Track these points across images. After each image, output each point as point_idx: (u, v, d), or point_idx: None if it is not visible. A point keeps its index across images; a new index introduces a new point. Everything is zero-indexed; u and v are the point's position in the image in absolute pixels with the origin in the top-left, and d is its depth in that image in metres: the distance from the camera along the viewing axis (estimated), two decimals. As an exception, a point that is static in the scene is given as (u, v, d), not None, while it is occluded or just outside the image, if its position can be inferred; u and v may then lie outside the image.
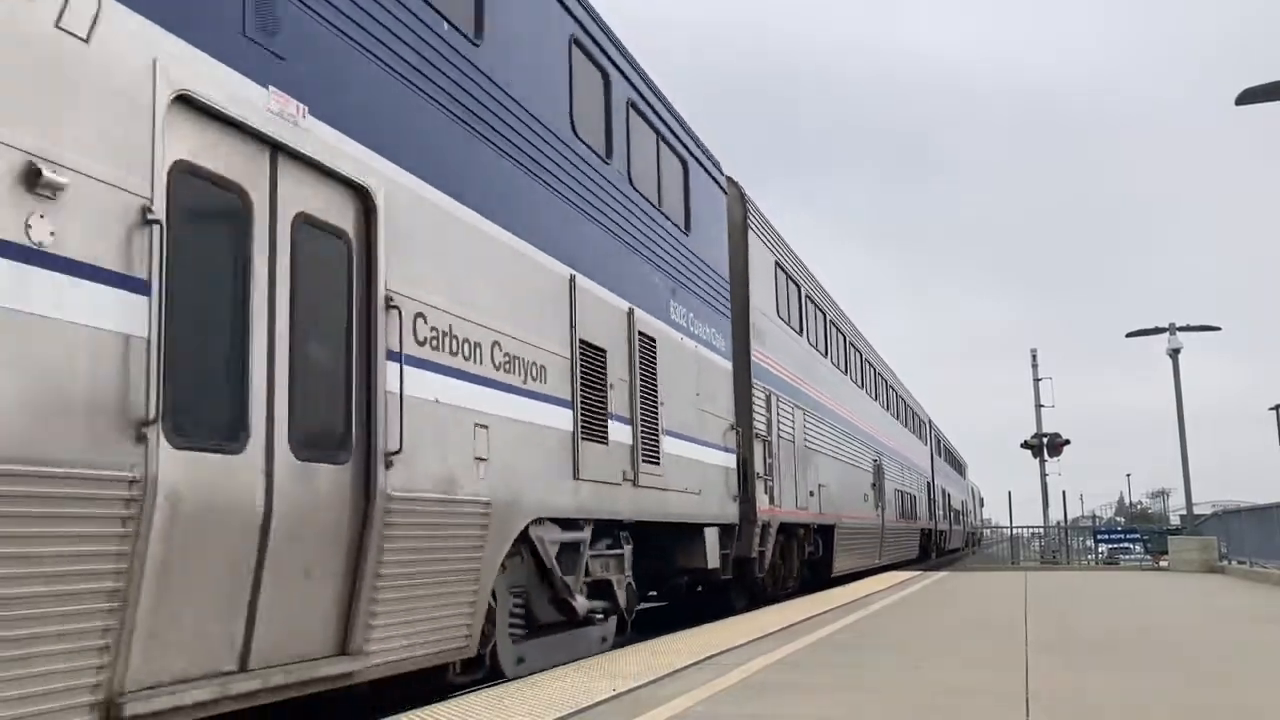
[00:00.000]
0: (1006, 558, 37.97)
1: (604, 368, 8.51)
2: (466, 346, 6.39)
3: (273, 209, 4.96)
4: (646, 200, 10.00)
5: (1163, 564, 24.53)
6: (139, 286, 4.07)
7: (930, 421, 40.78)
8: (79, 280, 3.86)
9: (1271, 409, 25.28)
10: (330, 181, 5.34)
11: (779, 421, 14.40)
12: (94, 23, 4.01)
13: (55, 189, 3.75)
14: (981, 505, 78.82)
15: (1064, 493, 58.86)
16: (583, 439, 7.95)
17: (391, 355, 5.60)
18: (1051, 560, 32.62)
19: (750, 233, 13.87)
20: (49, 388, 3.71)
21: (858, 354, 23.05)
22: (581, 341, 8.10)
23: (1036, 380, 34.46)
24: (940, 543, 38.84)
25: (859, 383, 23.04)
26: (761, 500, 12.90)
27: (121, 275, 4.02)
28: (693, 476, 10.44)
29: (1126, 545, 35.34)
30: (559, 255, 7.84)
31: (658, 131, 10.48)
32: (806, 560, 16.17)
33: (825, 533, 17.21)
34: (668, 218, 10.60)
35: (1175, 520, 44.89)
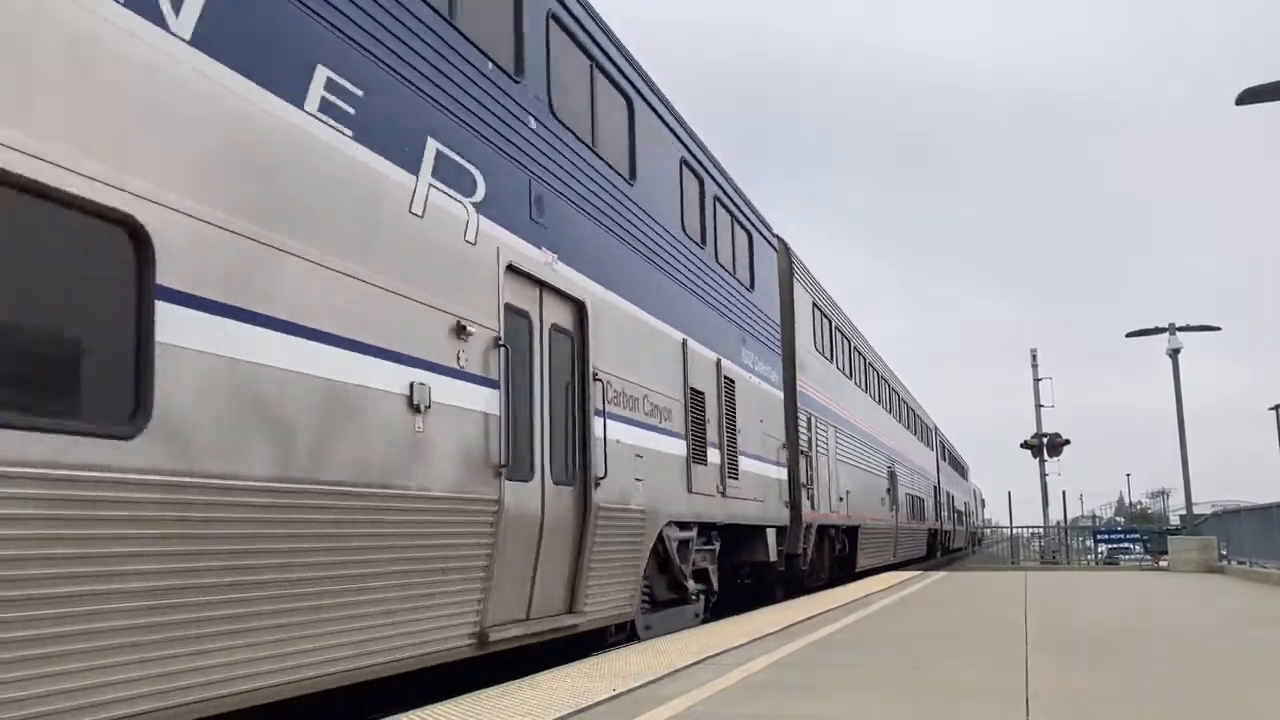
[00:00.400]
0: (1006, 557, 38.00)
1: (703, 406, 11.08)
2: (632, 402, 9.05)
3: (540, 324, 7.61)
4: (726, 270, 12.63)
5: (1162, 564, 24.54)
6: (494, 384, 6.75)
7: (936, 428, 42.99)
8: (473, 385, 6.55)
9: (1271, 409, 25.34)
10: (564, 299, 7.98)
11: (817, 439, 17.02)
12: (477, 232, 6.74)
13: (468, 335, 6.48)
14: (983, 506, 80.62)
15: (1064, 493, 58.95)
16: (692, 461, 10.47)
17: (597, 412, 8.24)
18: (1051, 560, 32.63)
19: (794, 280, 16.62)
20: (466, 449, 6.37)
21: (875, 372, 25.86)
22: (691, 388, 10.68)
23: (1036, 380, 34.48)
24: (945, 542, 41.18)
25: (876, 398, 25.71)
26: (804, 505, 15.37)
27: (489, 379, 6.71)
28: (759, 487, 13.06)
29: (1126, 545, 35.34)
30: (676, 325, 10.46)
31: (732, 214, 13.24)
32: (835, 556, 18.49)
33: (850, 533, 19.68)
34: (739, 281, 13.27)
35: (1175, 520, 44.90)
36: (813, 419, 16.85)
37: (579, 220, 8.35)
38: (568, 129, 8.26)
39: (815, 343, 17.93)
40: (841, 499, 18.78)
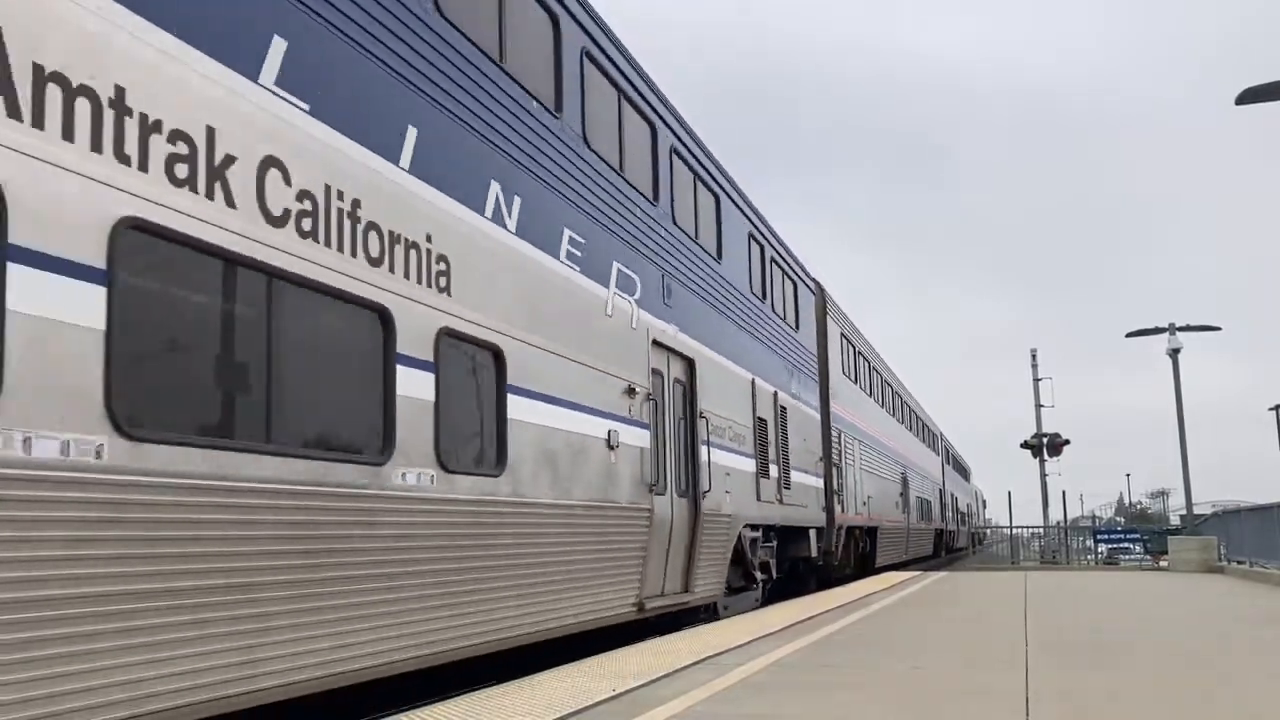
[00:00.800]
0: (1006, 557, 37.99)
1: (765, 431, 13.84)
2: (722, 430, 11.71)
3: (668, 379, 10.28)
4: (780, 318, 15.57)
5: (1162, 564, 24.53)
6: (647, 427, 9.46)
7: (940, 434, 45.53)
8: (638, 428, 9.28)
9: (1271, 409, 25.33)
10: (681, 358, 10.68)
11: (845, 451, 19.85)
12: (636, 319, 9.49)
13: (635, 393, 9.22)
14: (984, 507, 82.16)
15: (1064, 493, 58.96)
16: (759, 476, 13.23)
17: (702, 441, 10.91)
18: (1051, 560, 32.63)
19: (828, 316, 19.48)
20: (635, 472, 9.10)
21: (889, 387, 28.87)
22: (757, 417, 13.46)
23: (1036, 380, 34.49)
24: (949, 541, 43.68)
25: (890, 411, 28.57)
26: (836, 510, 18.05)
27: (644, 423, 9.44)
28: (804, 495, 15.90)
29: (1126, 545, 35.32)
30: (746, 367, 13.20)
31: (784, 271, 16.29)
32: (858, 554, 20.90)
33: (871, 533, 22.18)
34: (788, 324, 16.16)
35: (1175, 520, 44.90)
36: (841, 434, 19.58)
37: (690, 297, 11.12)
38: (682, 230, 11.14)
39: (843, 368, 20.86)
40: (864, 503, 21.51)
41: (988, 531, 71.29)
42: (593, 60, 9.03)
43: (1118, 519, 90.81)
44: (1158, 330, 27.38)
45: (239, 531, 4.62)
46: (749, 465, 12.87)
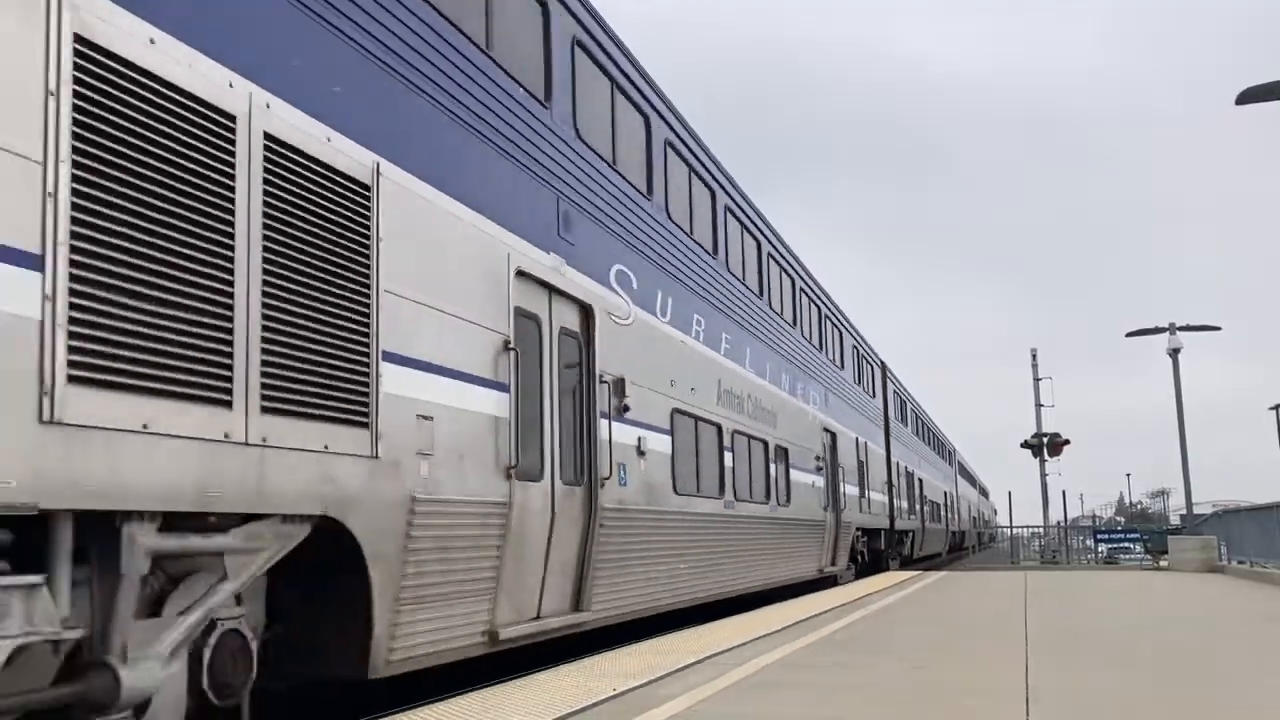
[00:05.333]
0: (1006, 556, 37.95)
1: (862, 466, 21.92)
2: (850, 474, 21.44)
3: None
4: (869, 394, 24.75)
5: (1163, 564, 24.50)
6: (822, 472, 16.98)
7: (954, 450, 55.43)
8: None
9: (1271, 409, 25.28)
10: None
11: (898, 479, 28.08)
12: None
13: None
14: (995, 514, 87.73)
15: (1064, 492, 58.97)
16: (860, 497, 21.44)
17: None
18: (1051, 560, 32.60)
19: (888, 383, 28.42)
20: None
21: (931, 435, 41.22)
22: (858, 459, 21.55)
23: (1036, 380, 34.39)
24: (964, 540, 55.36)
25: (933, 447, 40.90)
26: (897, 518, 26.86)
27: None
28: (877, 508, 23.74)
29: (1126, 545, 35.28)
30: (854, 429, 21.62)
31: (865, 359, 25.04)
32: (913, 545, 30.81)
33: (908, 533, 30.14)
34: (867, 392, 24.73)
35: (1175, 520, 44.86)
36: (897, 465, 28.07)
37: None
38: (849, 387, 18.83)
39: (897, 415, 29.71)
40: (913, 514, 31.01)
41: (995, 533, 72.65)
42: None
43: (1118, 519, 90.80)
44: (1158, 330, 27.34)
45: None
46: (855, 491, 20.50)
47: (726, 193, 13.06)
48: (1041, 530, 36.09)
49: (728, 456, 12.00)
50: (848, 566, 19.40)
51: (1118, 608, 11.92)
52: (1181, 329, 27.15)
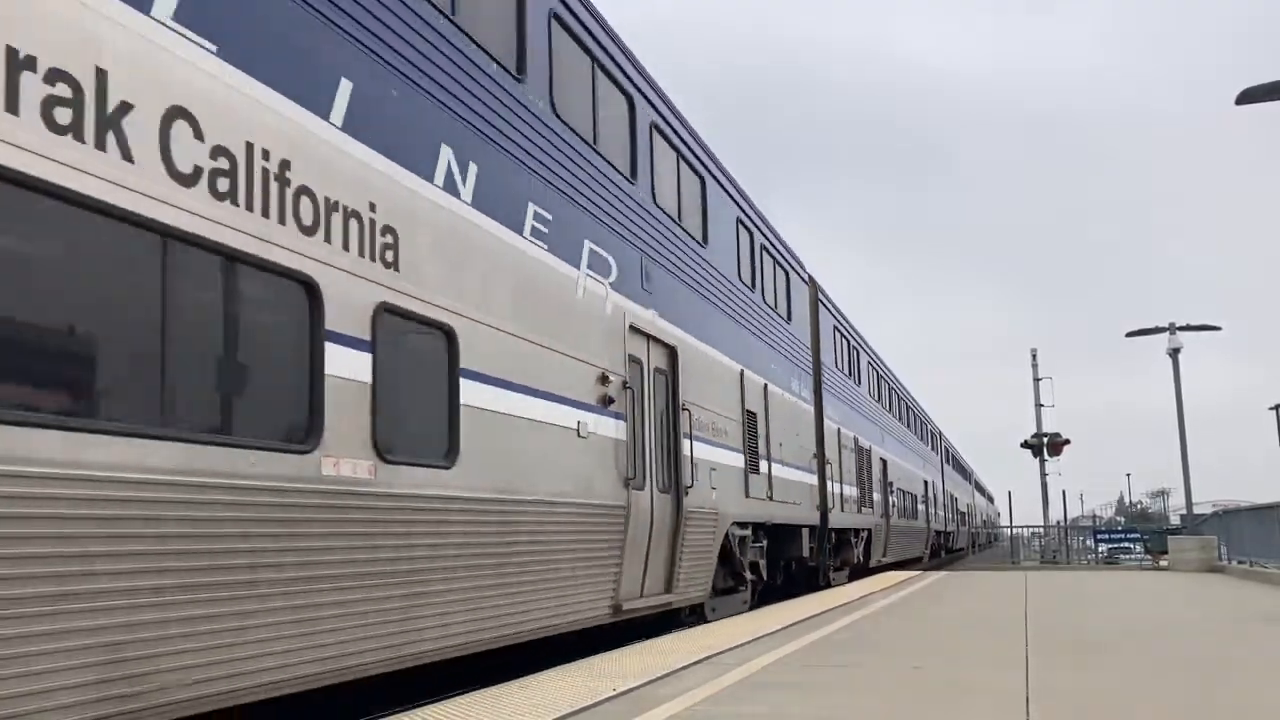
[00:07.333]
0: (1006, 556, 37.96)
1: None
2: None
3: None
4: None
5: (1162, 564, 24.50)
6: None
7: (972, 471, 54.23)
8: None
9: (1271, 409, 25.28)
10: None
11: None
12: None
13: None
14: (998, 516, 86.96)
15: (1064, 492, 59.01)
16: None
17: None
18: (1051, 560, 32.59)
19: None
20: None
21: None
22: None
23: (1036, 380, 34.39)
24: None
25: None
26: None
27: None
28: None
29: (1126, 545, 35.30)
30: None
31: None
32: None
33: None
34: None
35: (1175, 520, 44.84)
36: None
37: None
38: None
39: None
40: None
41: (996, 533, 72.26)
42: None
43: (1118, 519, 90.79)
44: (1158, 330, 27.33)
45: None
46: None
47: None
48: (1042, 530, 36.10)
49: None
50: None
51: (1118, 608, 11.92)
52: (1181, 329, 27.16)
